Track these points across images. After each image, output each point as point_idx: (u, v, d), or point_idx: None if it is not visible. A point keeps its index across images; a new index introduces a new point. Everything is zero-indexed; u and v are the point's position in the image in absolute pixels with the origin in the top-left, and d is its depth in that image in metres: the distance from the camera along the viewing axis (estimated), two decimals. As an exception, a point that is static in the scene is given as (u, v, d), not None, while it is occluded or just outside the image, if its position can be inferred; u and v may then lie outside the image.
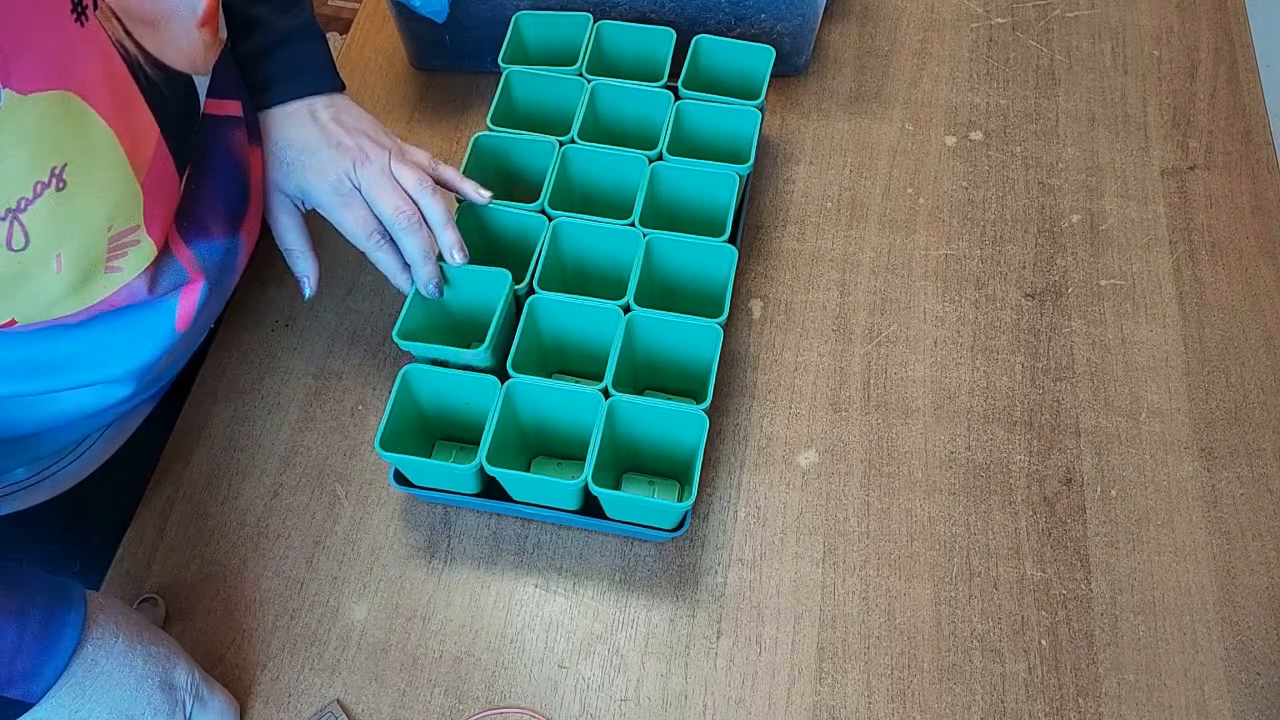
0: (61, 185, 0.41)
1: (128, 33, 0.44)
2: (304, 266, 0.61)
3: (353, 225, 0.59)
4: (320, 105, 0.60)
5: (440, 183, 0.62)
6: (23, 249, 0.40)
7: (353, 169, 0.58)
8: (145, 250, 0.47)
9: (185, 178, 0.50)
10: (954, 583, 0.61)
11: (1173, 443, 0.65)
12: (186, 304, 0.51)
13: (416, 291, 0.61)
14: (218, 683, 0.55)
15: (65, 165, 0.40)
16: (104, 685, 0.47)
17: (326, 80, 0.61)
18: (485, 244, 0.66)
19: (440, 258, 0.61)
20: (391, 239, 0.59)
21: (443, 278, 0.61)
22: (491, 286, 0.61)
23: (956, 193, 0.77)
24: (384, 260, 0.60)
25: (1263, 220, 0.75)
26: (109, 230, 0.44)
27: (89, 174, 0.42)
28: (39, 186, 0.40)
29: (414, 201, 0.59)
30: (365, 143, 0.59)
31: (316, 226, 0.61)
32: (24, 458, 0.57)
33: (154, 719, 0.49)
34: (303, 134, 0.59)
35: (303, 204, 0.60)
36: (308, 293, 0.62)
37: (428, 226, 0.59)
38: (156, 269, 0.49)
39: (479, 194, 0.62)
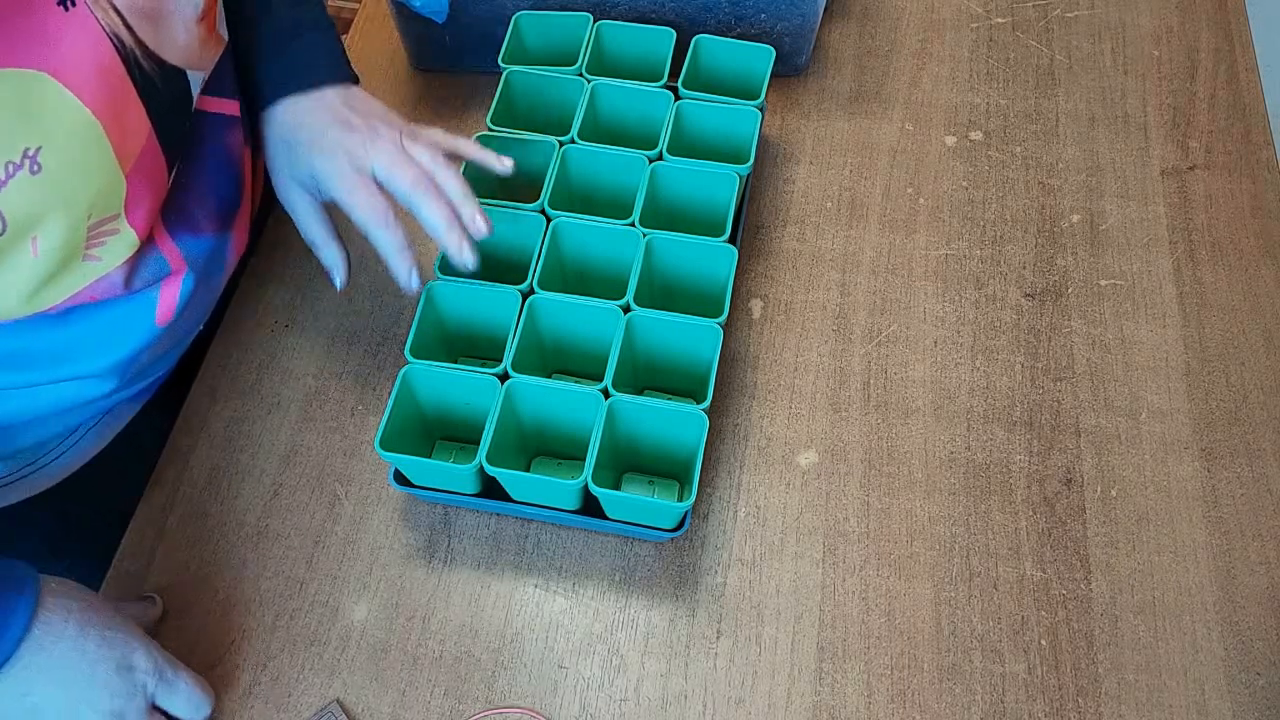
0: (36, 168, 0.40)
1: (128, 26, 0.44)
2: (330, 257, 0.59)
3: (363, 206, 0.55)
4: (331, 93, 0.58)
5: (457, 155, 0.60)
6: None
7: (363, 147, 0.55)
8: (126, 240, 0.46)
9: (175, 172, 0.50)
10: (954, 583, 0.61)
11: (1173, 443, 0.65)
12: (168, 298, 0.51)
13: (424, 306, 0.60)
14: (184, 665, 0.54)
15: (39, 148, 0.40)
16: (55, 668, 0.48)
17: (338, 72, 0.60)
18: (485, 243, 0.66)
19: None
20: (399, 223, 0.56)
21: (472, 244, 0.58)
22: (501, 303, 0.61)
23: (956, 193, 0.77)
24: (388, 238, 0.56)
25: (1263, 220, 0.75)
26: (89, 218, 0.44)
27: (66, 159, 0.42)
28: (10, 167, 0.40)
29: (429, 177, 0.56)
30: (376, 123, 0.57)
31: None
32: (1, 452, 0.57)
33: (111, 701, 0.49)
34: (312, 118, 0.57)
35: (318, 192, 0.58)
36: (338, 283, 0.59)
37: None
38: (136, 261, 0.48)
39: (500, 163, 0.60)
